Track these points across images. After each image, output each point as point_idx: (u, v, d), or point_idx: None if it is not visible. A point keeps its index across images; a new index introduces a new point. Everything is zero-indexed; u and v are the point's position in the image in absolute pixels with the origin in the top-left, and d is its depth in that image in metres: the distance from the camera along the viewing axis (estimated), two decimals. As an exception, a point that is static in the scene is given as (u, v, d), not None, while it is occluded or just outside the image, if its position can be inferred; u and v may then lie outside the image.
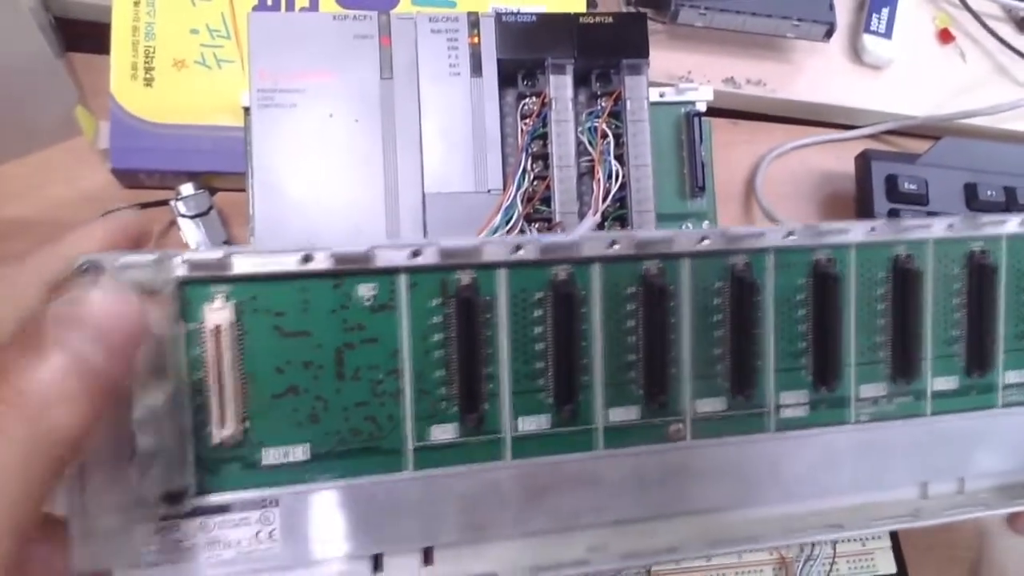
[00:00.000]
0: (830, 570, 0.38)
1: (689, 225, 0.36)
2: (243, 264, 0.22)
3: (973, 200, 0.45)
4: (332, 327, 0.23)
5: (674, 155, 0.37)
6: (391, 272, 0.23)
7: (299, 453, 0.22)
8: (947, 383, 0.27)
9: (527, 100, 0.35)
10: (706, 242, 0.25)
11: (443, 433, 0.23)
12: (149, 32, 0.39)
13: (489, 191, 0.33)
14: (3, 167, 0.40)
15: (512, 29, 0.34)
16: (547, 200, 0.34)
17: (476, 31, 0.34)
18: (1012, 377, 0.28)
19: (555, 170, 0.34)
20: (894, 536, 0.39)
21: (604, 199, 0.34)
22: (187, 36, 0.40)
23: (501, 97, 0.34)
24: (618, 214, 0.35)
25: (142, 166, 0.39)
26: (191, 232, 0.39)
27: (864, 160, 0.46)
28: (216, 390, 0.21)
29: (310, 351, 0.22)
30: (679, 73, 0.48)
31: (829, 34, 0.47)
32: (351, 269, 0.23)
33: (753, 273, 0.25)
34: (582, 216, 0.34)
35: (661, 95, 0.36)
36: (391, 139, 0.33)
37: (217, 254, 0.21)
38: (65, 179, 0.40)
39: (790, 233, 0.25)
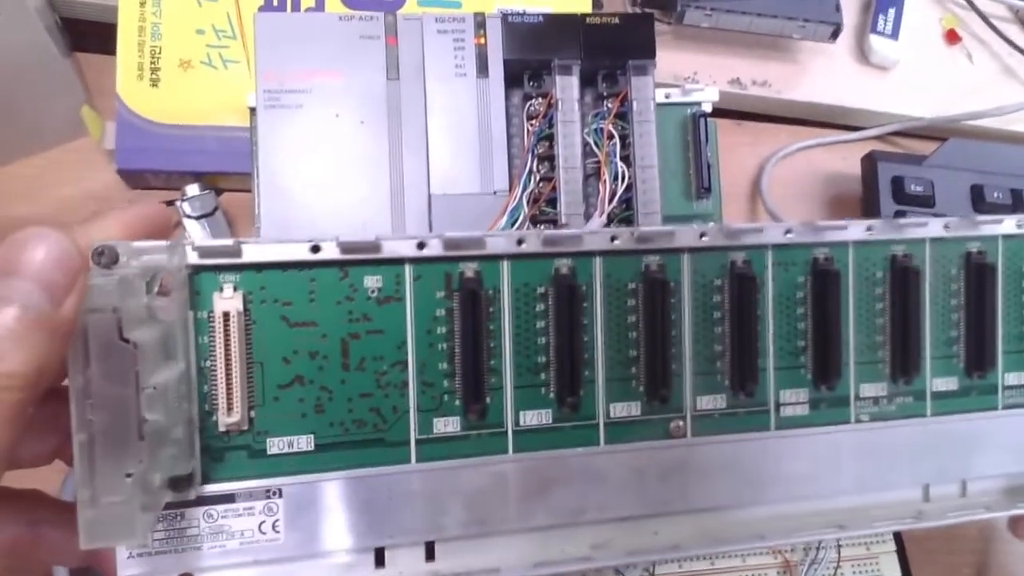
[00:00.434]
0: (835, 574, 0.38)
1: (695, 226, 0.36)
2: (252, 252, 0.22)
3: (980, 202, 0.45)
4: (338, 318, 0.23)
5: (680, 156, 0.36)
6: (397, 263, 0.23)
7: (304, 443, 0.23)
8: (947, 384, 0.27)
9: (533, 101, 0.35)
10: (706, 238, 0.25)
11: (446, 426, 0.23)
12: (155, 32, 0.39)
13: (495, 192, 0.33)
14: (10, 167, 0.40)
15: (518, 30, 0.34)
16: (553, 201, 0.34)
17: (482, 32, 0.34)
18: (1012, 379, 0.28)
19: (561, 171, 0.34)
20: (899, 540, 0.39)
21: (610, 200, 0.34)
22: (193, 36, 0.40)
23: (507, 98, 0.34)
24: (624, 215, 0.35)
25: (148, 166, 0.39)
26: (196, 232, 0.39)
27: (870, 161, 0.46)
28: (223, 377, 0.22)
29: (316, 341, 0.23)
30: (685, 74, 0.48)
31: (835, 35, 0.47)
32: (358, 259, 0.23)
33: (753, 270, 0.25)
34: (588, 217, 0.34)
35: (667, 96, 0.36)
36: (397, 140, 0.33)
37: (227, 242, 0.22)
38: (71, 179, 0.40)
39: (789, 230, 0.25)
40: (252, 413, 0.22)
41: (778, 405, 0.26)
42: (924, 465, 0.27)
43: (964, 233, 0.27)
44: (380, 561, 0.23)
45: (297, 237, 0.31)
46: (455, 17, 0.34)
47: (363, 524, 0.23)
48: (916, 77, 0.51)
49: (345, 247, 0.23)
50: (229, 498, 0.22)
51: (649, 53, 0.35)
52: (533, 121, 0.35)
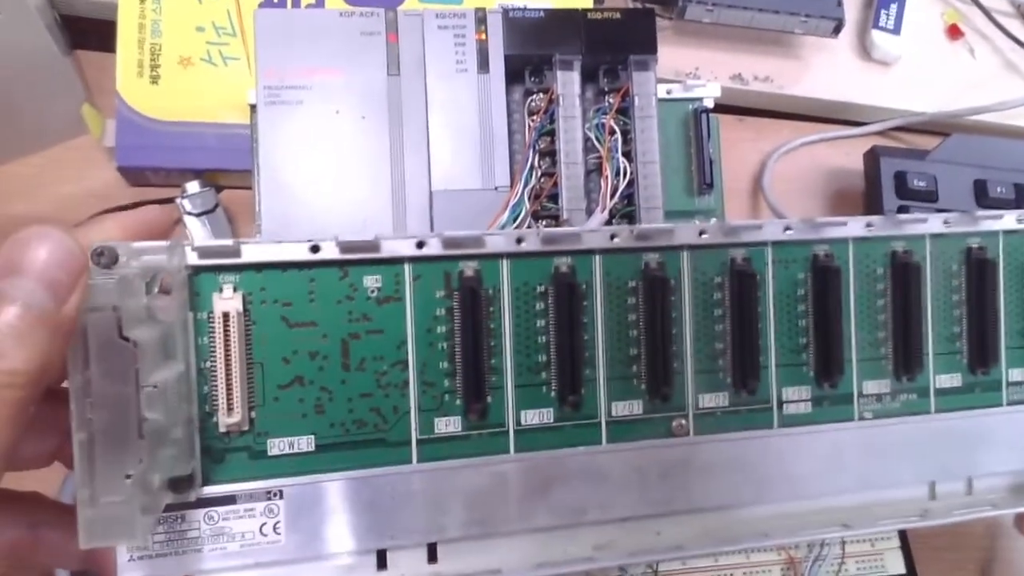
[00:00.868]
0: (839, 570, 0.38)
1: (697, 222, 0.36)
2: (252, 252, 0.22)
3: (983, 197, 0.45)
4: (338, 318, 0.23)
5: (682, 152, 0.36)
6: (396, 262, 0.23)
7: (304, 444, 0.22)
8: (951, 380, 0.27)
9: (534, 96, 0.35)
10: (705, 235, 0.25)
11: (447, 426, 0.23)
12: (155, 30, 0.39)
13: (496, 188, 0.33)
14: (10, 165, 0.40)
15: (519, 25, 0.34)
16: (554, 197, 0.34)
17: (483, 27, 0.34)
18: (1017, 375, 0.28)
19: (562, 167, 0.34)
20: (903, 536, 0.39)
21: (612, 196, 0.34)
22: (193, 34, 0.40)
23: (508, 93, 0.34)
24: (626, 211, 0.35)
25: (148, 164, 0.39)
26: (197, 230, 0.39)
27: (873, 157, 0.46)
28: (223, 378, 0.21)
29: (316, 341, 0.23)
30: (686, 70, 0.48)
31: (837, 30, 0.46)
32: (357, 259, 0.23)
33: (753, 267, 0.25)
34: (590, 213, 0.34)
35: (668, 92, 0.36)
36: (398, 136, 0.33)
37: (227, 242, 0.22)
38: (72, 177, 0.40)
39: (788, 227, 0.25)
40: (252, 414, 0.22)
41: (781, 403, 0.26)
42: (929, 463, 0.27)
43: (964, 229, 0.27)
44: (382, 563, 0.23)
45: (298, 234, 0.31)
46: (456, 13, 0.34)
47: (364, 525, 0.23)
48: (918, 72, 0.51)
49: (344, 247, 0.23)
50: (230, 500, 0.22)
51: (650, 48, 0.35)
52: (534, 117, 0.34)
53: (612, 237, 0.24)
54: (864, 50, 0.51)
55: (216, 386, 0.22)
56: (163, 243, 0.21)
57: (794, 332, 0.26)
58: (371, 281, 0.23)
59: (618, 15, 0.35)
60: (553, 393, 0.24)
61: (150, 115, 0.39)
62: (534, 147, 0.34)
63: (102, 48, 0.41)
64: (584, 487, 0.24)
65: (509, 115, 0.34)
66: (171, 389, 0.20)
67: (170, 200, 0.39)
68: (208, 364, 0.22)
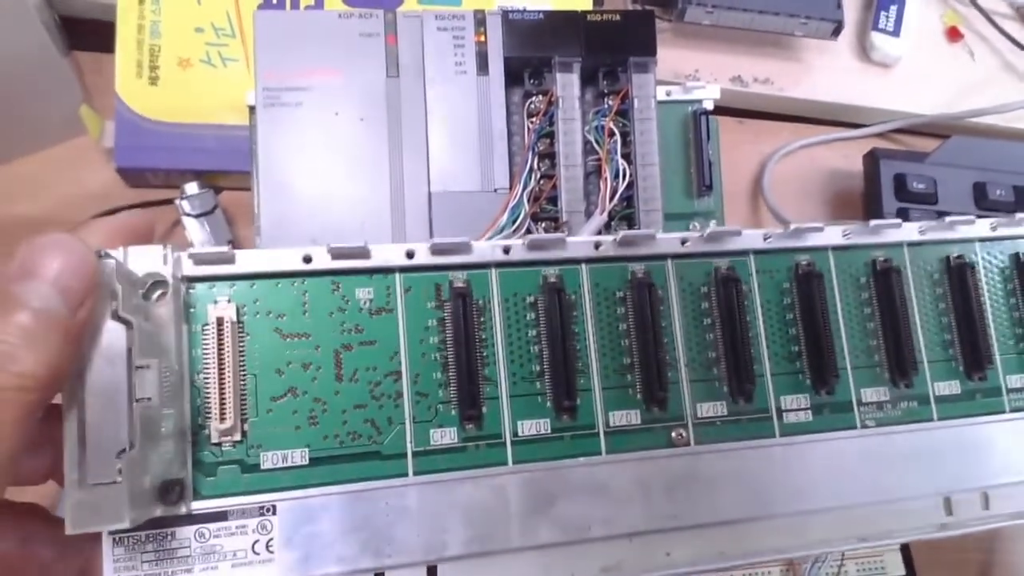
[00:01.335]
0: (839, 572, 0.38)
1: (696, 224, 0.36)
2: (246, 261, 0.22)
3: (982, 199, 0.45)
4: (331, 329, 0.23)
5: (681, 154, 0.36)
6: (387, 273, 0.23)
7: (298, 457, 0.22)
8: (949, 387, 0.27)
9: (534, 98, 0.35)
10: (688, 244, 0.25)
11: (443, 437, 0.23)
12: (154, 31, 0.39)
13: (495, 190, 0.33)
14: (9, 165, 0.40)
15: (518, 27, 0.34)
16: (554, 199, 0.34)
17: (482, 29, 0.34)
18: (1015, 381, 0.28)
19: (562, 169, 0.34)
20: (903, 538, 0.39)
21: (611, 198, 0.34)
22: (192, 35, 0.40)
23: (507, 95, 0.34)
24: (625, 213, 0.35)
25: (147, 165, 0.39)
26: (195, 231, 0.39)
27: (872, 159, 0.46)
28: (216, 389, 0.21)
29: (309, 353, 0.22)
30: (686, 72, 0.48)
31: (837, 32, 0.46)
32: (349, 268, 0.23)
33: (738, 274, 0.25)
34: (589, 215, 0.34)
35: (668, 94, 0.36)
36: (397, 138, 0.33)
37: (222, 249, 0.22)
38: (70, 178, 0.40)
39: (767, 236, 0.26)
40: (245, 426, 0.22)
41: (780, 411, 0.25)
42: (939, 472, 0.26)
43: (940, 236, 0.27)
44: None
45: (297, 235, 0.32)
46: (455, 14, 0.34)
47: (361, 543, 0.22)
48: (918, 74, 0.51)
49: (335, 253, 0.23)
50: (221, 516, 0.21)
51: (650, 50, 0.35)
52: (534, 119, 0.34)
53: (597, 246, 0.25)
54: (864, 52, 0.51)
55: (209, 398, 0.21)
56: (159, 249, 0.21)
57: (786, 340, 0.26)
58: (363, 293, 0.23)
59: (617, 17, 0.35)
60: (549, 403, 0.24)
61: (149, 116, 0.39)
62: (533, 149, 0.34)
63: (101, 49, 0.41)
64: (586, 500, 0.24)
65: (508, 117, 0.34)
66: (164, 377, 0.20)
67: (169, 201, 0.39)
68: (201, 376, 0.21)
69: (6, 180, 0.40)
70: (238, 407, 0.22)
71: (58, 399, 0.19)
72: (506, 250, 0.24)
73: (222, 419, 0.21)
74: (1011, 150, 0.47)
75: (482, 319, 0.24)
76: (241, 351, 0.22)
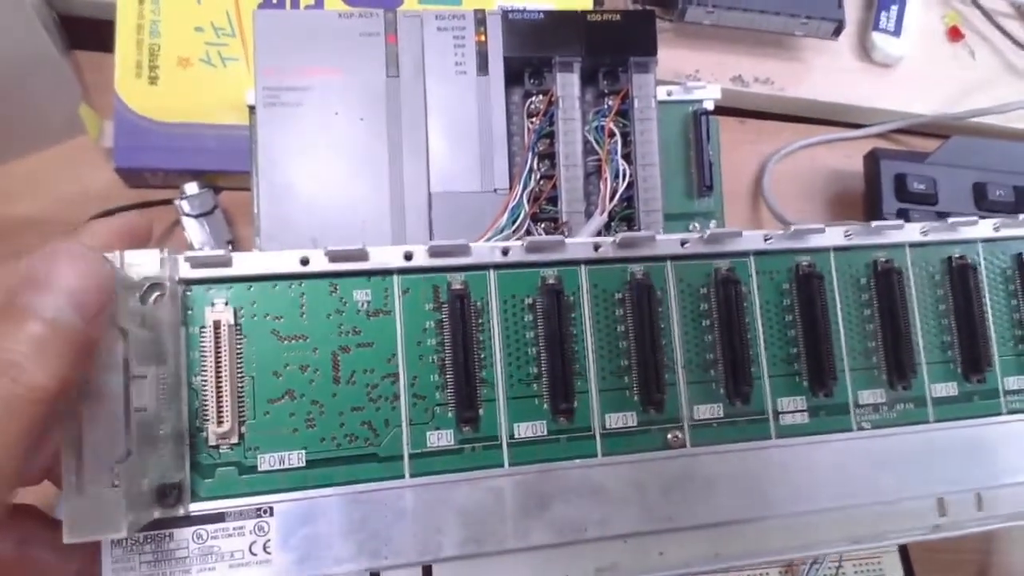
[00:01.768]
0: (836, 574, 0.38)
1: (696, 224, 0.36)
2: (243, 263, 0.22)
3: (982, 200, 0.45)
4: (328, 331, 0.23)
5: (682, 154, 0.36)
6: (385, 275, 0.23)
7: (295, 459, 0.22)
8: (947, 389, 0.27)
9: (534, 98, 0.35)
10: (687, 245, 0.25)
11: (439, 439, 0.23)
12: (154, 30, 0.39)
13: (495, 190, 0.33)
14: (8, 165, 0.40)
15: (519, 27, 0.34)
16: (554, 199, 0.34)
17: (482, 29, 0.34)
18: (1013, 383, 0.28)
19: (562, 169, 0.34)
20: (902, 538, 0.39)
21: (611, 198, 0.34)
22: (192, 34, 0.40)
23: (507, 95, 0.34)
24: (625, 214, 0.34)
25: (146, 165, 0.39)
26: (195, 231, 0.39)
27: (873, 159, 0.45)
28: (214, 391, 0.21)
29: (307, 355, 0.23)
30: (687, 71, 0.47)
31: (838, 32, 0.46)
32: (346, 271, 0.23)
33: (737, 275, 0.25)
34: (589, 215, 0.34)
35: (669, 94, 0.36)
36: (397, 138, 0.33)
37: (219, 252, 0.22)
38: (70, 177, 0.40)
39: (768, 236, 0.26)
40: (243, 428, 0.22)
41: (777, 413, 0.25)
42: (934, 473, 0.26)
43: (942, 237, 0.27)
44: None
45: (296, 236, 0.32)
46: (455, 14, 0.34)
47: (357, 544, 0.22)
48: (919, 74, 0.51)
49: (333, 255, 0.23)
50: (219, 517, 0.22)
51: (650, 50, 0.34)
52: (534, 119, 0.34)
53: (596, 248, 0.25)
54: (864, 52, 0.51)
55: (207, 400, 0.21)
56: (156, 253, 0.21)
57: (784, 342, 0.26)
58: (361, 295, 0.23)
59: (618, 17, 0.35)
60: (546, 405, 0.24)
61: (149, 116, 0.39)
62: (533, 149, 0.34)
63: (100, 48, 0.41)
64: (582, 502, 0.24)
65: (508, 117, 0.34)
66: (161, 384, 0.20)
67: (168, 202, 0.39)
68: (199, 378, 0.21)
69: (5, 180, 0.40)
70: (235, 409, 0.22)
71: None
72: (505, 252, 0.24)
73: (219, 421, 0.21)
74: (1011, 150, 0.47)
75: (480, 321, 0.24)
76: (238, 353, 0.22)
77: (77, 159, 0.40)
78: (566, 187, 0.34)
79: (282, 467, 0.22)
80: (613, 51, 0.34)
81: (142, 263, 0.21)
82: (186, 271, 0.22)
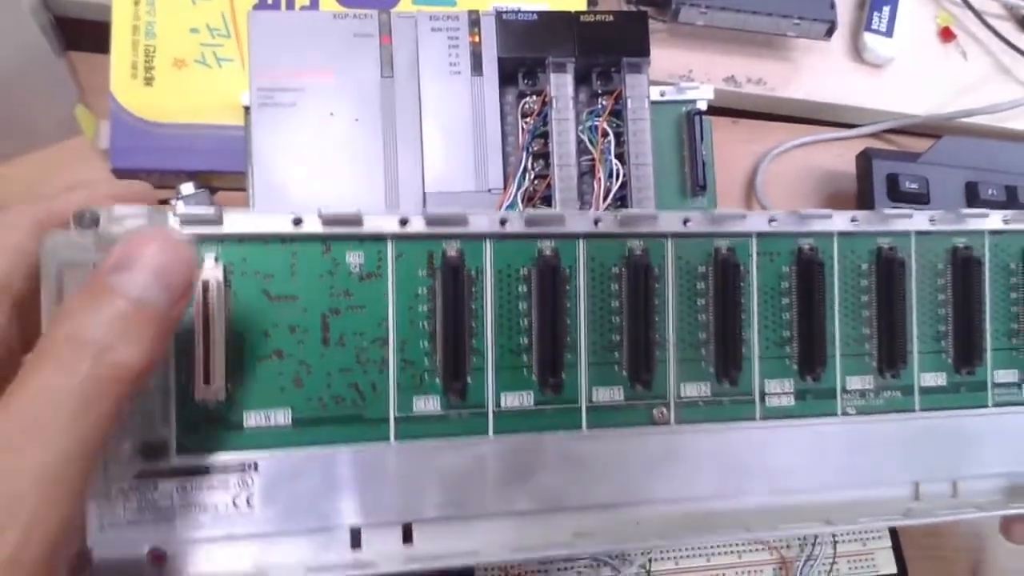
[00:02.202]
0: (830, 570, 0.38)
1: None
2: (234, 222, 0.22)
3: (974, 199, 0.45)
4: (319, 292, 0.23)
5: (675, 154, 0.37)
6: (379, 239, 0.23)
7: (281, 418, 0.22)
8: (936, 379, 0.27)
9: (528, 99, 0.35)
10: (690, 223, 0.25)
11: (426, 404, 0.23)
12: (149, 31, 0.39)
13: (490, 190, 0.33)
14: (4, 166, 0.40)
15: (512, 28, 0.34)
16: (548, 199, 0.34)
17: (477, 30, 0.34)
18: (1002, 376, 0.28)
19: (556, 169, 0.34)
20: (894, 536, 0.39)
21: (605, 198, 0.34)
22: (187, 35, 0.40)
23: (502, 96, 0.34)
24: (619, 213, 0.35)
25: (142, 165, 0.39)
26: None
27: (865, 159, 0.46)
28: (202, 348, 0.21)
29: (296, 315, 0.23)
30: (680, 72, 0.48)
31: (830, 32, 0.47)
32: (340, 234, 0.23)
33: (737, 258, 0.25)
34: (583, 215, 0.34)
35: (662, 94, 0.36)
36: (391, 138, 0.33)
37: (209, 210, 0.22)
38: (65, 179, 0.40)
39: (773, 219, 0.26)
40: (229, 385, 0.22)
41: (763, 395, 0.26)
42: (914, 462, 0.27)
43: (950, 227, 0.27)
44: (356, 541, 0.23)
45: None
46: (449, 15, 0.34)
47: (339, 502, 0.23)
48: (911, 75, 0.51)
49: (327, 220, 0.22)
50: (203, 470, 0.22)
51: (644, 51, 0.35)
52: (528, 119, 0.35)
53: (596, 222, 0.24)
54: (857, 52, 0.51)
55: (194, 356, 0.21)
56: (144, 208, 0.21)
57: (778, 325, 0.26)
58: (353, 257, 0.23)
59: (611, 17, 0.35)
60: (534, 376, 0.24)
61: (144, 116, 0.39)
62: (527, 149, 0.34)
63: (95, 49, 0.41)
64: (563, 472, 0.24)
65: (502, 117, 0.34)
66: None
67: (165, 202, 0.39)
68: (187, 333, 0.21)
69: (1, 181, 0.40)
70: (223, 371, 0.22)
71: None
72: (503, 222, 0.24)
73: (207, 378, 0.21)
74: (1003, 150, 0.47)
75: (473, 289, 0.24)
76: (227, 311, 0.22)
77: (73, 160, 0.40)
78: (560, 187, 0.34)
79: (268, 425, 0.22)
80: (606, 51, 0.35)
81: (130, 215, 0.21)
82: (176, 228, 0.22)
